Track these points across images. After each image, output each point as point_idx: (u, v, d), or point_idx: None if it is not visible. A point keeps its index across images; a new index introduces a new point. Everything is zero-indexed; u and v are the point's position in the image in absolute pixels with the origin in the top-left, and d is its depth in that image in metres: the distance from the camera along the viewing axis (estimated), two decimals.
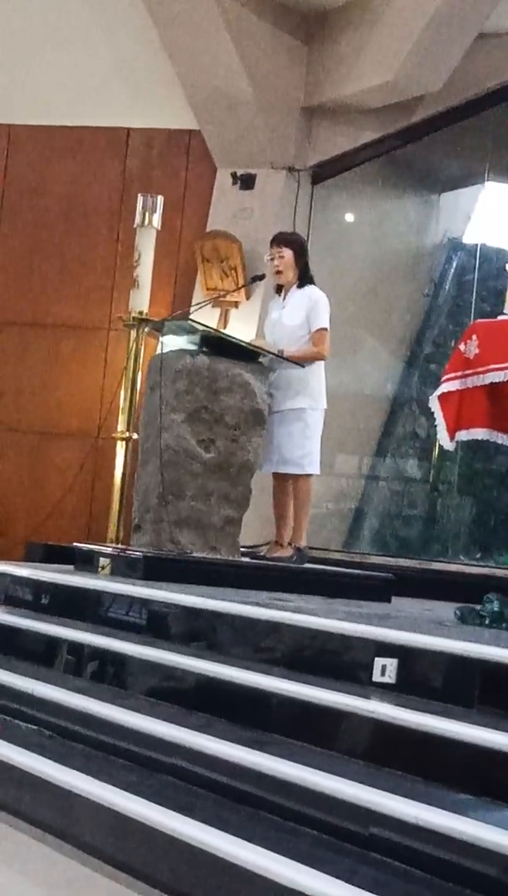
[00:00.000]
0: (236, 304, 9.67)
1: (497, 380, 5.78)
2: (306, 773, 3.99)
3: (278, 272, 7.32)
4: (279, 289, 7.43)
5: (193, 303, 9.41)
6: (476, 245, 10.55)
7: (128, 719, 4.82)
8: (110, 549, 7.01)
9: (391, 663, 4.48)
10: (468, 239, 10.92)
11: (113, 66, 10.05)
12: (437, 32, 8.76)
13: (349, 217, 10.59)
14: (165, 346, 7.12)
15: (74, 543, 7.29)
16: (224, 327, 9.37)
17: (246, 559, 7.15)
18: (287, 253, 7.29)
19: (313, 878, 3.44)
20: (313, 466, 7.22)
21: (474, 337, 5.94)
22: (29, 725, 5.27)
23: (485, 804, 3.65)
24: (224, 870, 3.64)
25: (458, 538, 10.07)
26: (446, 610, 5.95)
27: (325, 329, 7.18)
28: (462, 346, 6.00)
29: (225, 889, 3.66)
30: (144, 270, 7.73)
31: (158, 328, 7.33)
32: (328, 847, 3.72)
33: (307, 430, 7.18)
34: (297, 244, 7.43)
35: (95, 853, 4.20)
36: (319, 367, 7.23)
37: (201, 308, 8.60)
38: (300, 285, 7.30)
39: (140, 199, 7.91)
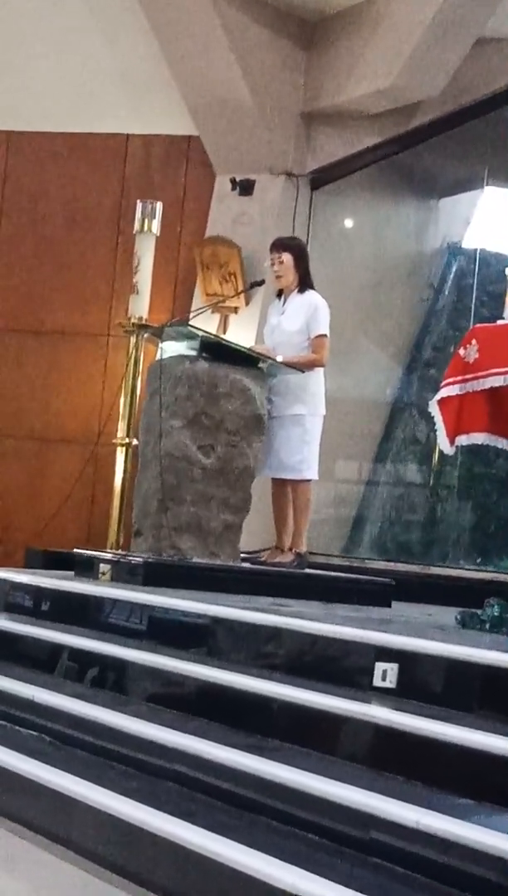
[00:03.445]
0: (235, 310, 9.66)
1: (497, 384, 5.77)
2: (307, 778, 3.99)
3: (279, 277, 7.34)
4: (281, 293, 7.44)
5: (192, 308, 9.40)
6: (476, 249, 10.54)
7: (128, 725, 4.82)
8: (111, 554, 7.01)
9: (392, 668, 4.48)
10: (467, 243, 10.91)
11: (112, 72, 10.05)
12: (435, 38, 8.76)
13: (349, 222, 10.59)
14: (165, 352, 7.14)
15: (75, 549, 7.28)
16: (224, 333, 9.36)
17: (246, 564, 7.15)
18: (287, 257, 7.30)
19: (313, 882, 3.44)
20: (311, 472, 7.23)
21: (474, 341, 5.93)
22: (30, 731, 5.27)
23: (486, 808, 3.66)
24: (225, 875, 3.64)
25: (458, 543, 10.06)
26: (446, 615, 5.95)
27: (324, 336, 7.19)
28: (461, 351, 5.99)
29: (226, 894, 3.65)
30: (144, 276, 7.73)
31: (158, 334, 7.34)
32: (328, 852, 3.73)
33: (306, 436, 7.19)
34: (296, 248, 7.45)
35: (95, 859, 4.20)
36: (318, 373, 7.24)
37: (200, 314, 8.58)
38: (301, 290, 7.31)
39: (139, 205, 7.92)
